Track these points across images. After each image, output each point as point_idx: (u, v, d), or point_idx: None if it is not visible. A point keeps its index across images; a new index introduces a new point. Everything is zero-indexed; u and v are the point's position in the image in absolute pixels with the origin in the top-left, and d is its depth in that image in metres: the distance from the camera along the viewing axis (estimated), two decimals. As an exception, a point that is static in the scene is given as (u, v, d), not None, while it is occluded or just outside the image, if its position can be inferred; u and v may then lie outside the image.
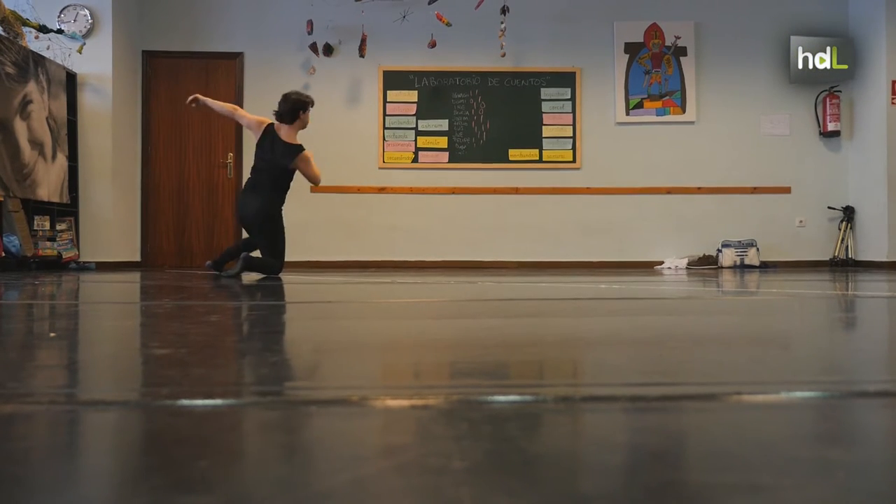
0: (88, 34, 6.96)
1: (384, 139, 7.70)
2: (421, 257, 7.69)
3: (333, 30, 7.63)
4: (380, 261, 7.64)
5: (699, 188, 7.78)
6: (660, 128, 7.79)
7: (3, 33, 6.03)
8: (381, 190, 7.69)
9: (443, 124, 7.72)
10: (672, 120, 7.79)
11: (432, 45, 7.55)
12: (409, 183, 7.70)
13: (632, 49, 7.79)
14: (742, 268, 7.34)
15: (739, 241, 7.55)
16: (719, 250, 7.56)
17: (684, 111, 7.79)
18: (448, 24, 7.33)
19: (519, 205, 7.74)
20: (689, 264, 7.46)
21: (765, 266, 7.49)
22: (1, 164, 5.84)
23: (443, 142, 7.71)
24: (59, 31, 6.65)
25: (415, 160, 7.70)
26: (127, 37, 7.34)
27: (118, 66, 7.15)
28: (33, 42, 6.58)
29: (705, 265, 7.54)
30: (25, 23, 6.32)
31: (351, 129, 7.69)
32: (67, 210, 6.81)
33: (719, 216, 7.77)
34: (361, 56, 7.58)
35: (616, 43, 7.78)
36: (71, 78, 6.84)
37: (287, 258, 7.49)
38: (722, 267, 7.46)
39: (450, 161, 7.71)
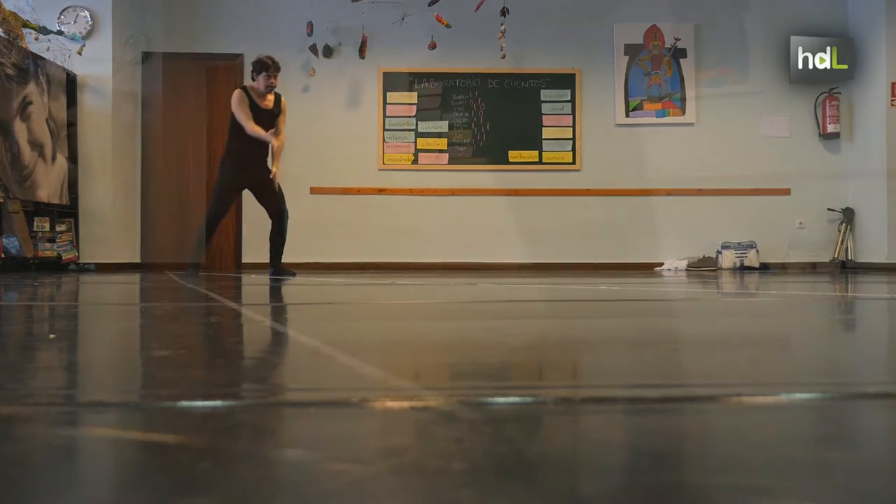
0: (88, 35, 6.96)
1: (384, 140, 7.70)
2: (421, 259, 7.69)
3: (333, 31, 7.64)
4: (379, 262, 7.64)
5: (699, 190, 7.78)
6: (659, 129, 7.80)
7: (2, 35, 6.03)
8: (381, 191, 7.69)
9: (442, 126, 7.72)
10: (672, 122, 7.79)
11: (432, 46, 7.55)
12: (408, 184, 7.70)
13: (632, 51, 7.79)
14: (742, 269, 7.34)
15: (739, 243, 7.54)
16: (719, 252, 7.56)
17: (684, 113, 7.79)
18: (448, 26, 7.33)
19: (519, 206, 7.74)
20: (688, 266, 7.46)
21: (764, 267, 7.49)
22: (1, 166, 5.84)
23: (442, 143, 7.71)
24: (60, 33, 6.66)
25: (414, 161, 7.70)
26: (127, 38, 7.34)
27: (118, 68, 7.15)
28: (33, 43, 6.58)
29: (705, 267, 7.54)
30: (25, 24, 6.32)
31: (351, 130, 7.69)
32: (67, 211, 6.81)
33: (719, 218, 7.77)
34: (361, 57, 7.58)
35: (616, 44, 7.78)
36: (71, 79, 6.84)
37: (286, 259, 7.50)
38: (722, 268, 7.46)
39: (449, 162, 7.71)
